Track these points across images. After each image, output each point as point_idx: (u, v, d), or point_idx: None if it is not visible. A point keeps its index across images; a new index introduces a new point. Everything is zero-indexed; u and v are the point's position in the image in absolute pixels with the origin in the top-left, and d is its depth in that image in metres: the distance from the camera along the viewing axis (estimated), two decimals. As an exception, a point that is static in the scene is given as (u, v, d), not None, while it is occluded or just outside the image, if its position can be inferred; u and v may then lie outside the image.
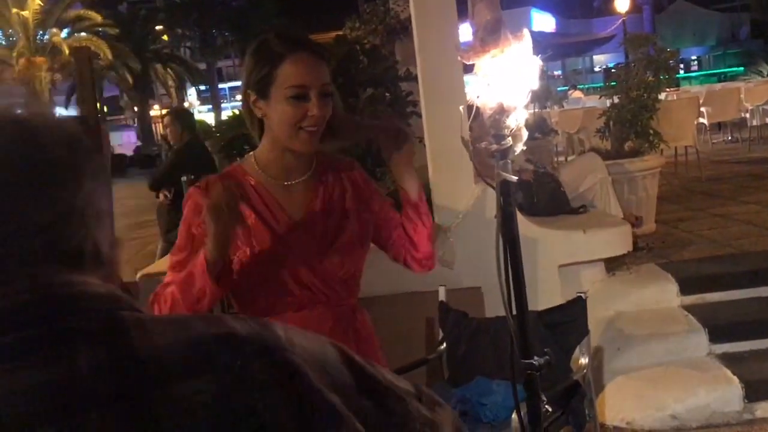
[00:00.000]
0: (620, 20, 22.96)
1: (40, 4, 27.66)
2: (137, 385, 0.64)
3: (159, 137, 32.40)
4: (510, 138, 1.25)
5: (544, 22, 29.40)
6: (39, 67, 27.47)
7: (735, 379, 3.67)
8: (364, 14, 7.41)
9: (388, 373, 0.81)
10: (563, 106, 12.34)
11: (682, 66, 29.21)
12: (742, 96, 11.80)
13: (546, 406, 1.48)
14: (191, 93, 44.27)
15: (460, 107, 1.23)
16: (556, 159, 9.59)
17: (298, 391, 0.67)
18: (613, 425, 3.65)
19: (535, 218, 4.29)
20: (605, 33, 27.89)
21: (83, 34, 30.17)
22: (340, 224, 1.77)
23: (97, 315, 0.68)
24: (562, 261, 4.15)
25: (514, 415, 2.26)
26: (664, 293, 4.31)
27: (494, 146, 1.25)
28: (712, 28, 38.59)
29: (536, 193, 4.59)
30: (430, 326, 3.82)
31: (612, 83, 5.80)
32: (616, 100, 5.73)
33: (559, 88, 17.33)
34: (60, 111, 30.23)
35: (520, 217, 4.17)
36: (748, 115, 11.60)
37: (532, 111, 11.75)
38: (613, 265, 4.47)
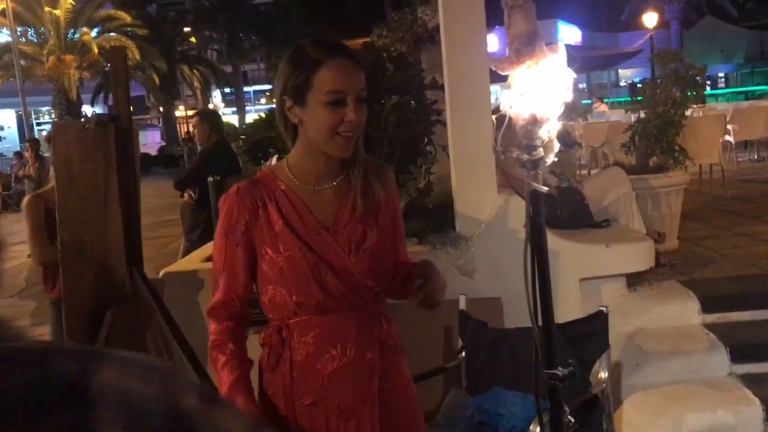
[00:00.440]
0: (648, 35, 22.84)
1: (72, 3, 28.02)
2: None
3: (181, 138, 32.71)
4: (541, 149, 1.25)
5: (570, 34, 29.28)
6: (68, 65, 27.79)
7: (756, 400, 3.63)
8: (392, 22, 7.45)
9: (236, 423, 0.73)
10: (587, 119, 12.29)
11: (708, 83, 29.00)
12: (769, 115, 11.66)
13: (568, 417, 1.48)
14: (216, 95, 44.63)
15: (493, 117, 1.24)
16: (579, 172, 9.55)
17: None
18: (629, 441, 3.63)
19: (557, 231, 4.28)
20: (632, 47, 27.75)
21: (112, 33, 30.52)
22: (369, 231, 1.78)
23: None
24: (583, 274, 4.14)
25: (532, 426, 2.25)
26: (685, 310, 4.27)
27: (525, 156, 1.25)
28: (741, 45, 38.20)
29: (560, 206, 4.58)
30: (448, 335, 3.83)
31: (638, 98, 5.77)
32: (642, 114, 5.70)
33: (583, 101, 17.27)
34: (86, 108, 30.68)
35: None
36: (775, 134, 11.48)
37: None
38: (634, 280, 4.44)
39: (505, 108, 1.25)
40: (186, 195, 5.61)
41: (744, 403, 3.65)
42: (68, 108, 27.86)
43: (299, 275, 1.73)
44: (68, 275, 2.47)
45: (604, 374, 2.91)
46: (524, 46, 0.99)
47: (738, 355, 3.92)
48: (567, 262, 4.10)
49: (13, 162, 20.69)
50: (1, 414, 0.62)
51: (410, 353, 2.02)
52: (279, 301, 1.76)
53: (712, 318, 4.22)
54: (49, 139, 4.49)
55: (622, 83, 36.41)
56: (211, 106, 38.19)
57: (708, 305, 4.25)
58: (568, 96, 1.24)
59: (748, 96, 27.86)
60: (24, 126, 26.37)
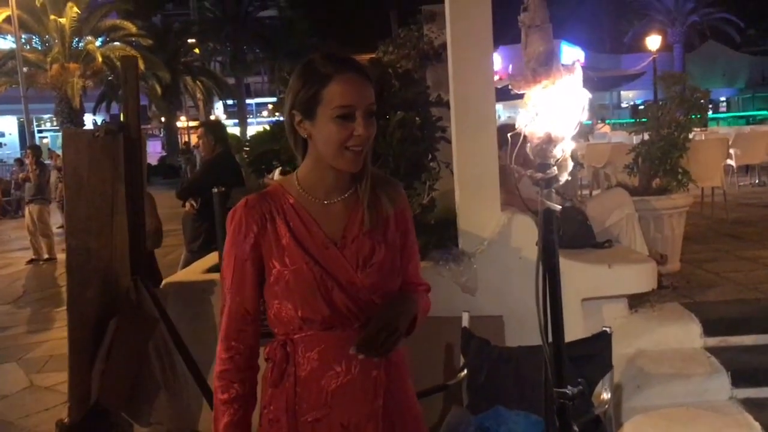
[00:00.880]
0: (651, 58, 22.95)
1: (77, 12, 28.14)
2: None
3: (180, 149, 32.75)
4: (555, 167, 1.25)
5: (573, 55, 29.42)
6: (72, 74, 27.87)
7: (757, 425, 3.61)
8: (398, 39, 7.48)
9: None
10: (589, 140, 12.33)
11: (710, 106, 29.09)
12: (771, 140, 11.72)
13: (578, 437, 1.47)
14: (218, 107, 44.79)
15: (508, 135, 1.24)
16: (580, 192, 9.57)
17: None
18: (630, 463, 3.61)
19: (560, 250, 4.27)
20: (635, 70, 27.89)
21: (116, 43, 30.65)
22: (377, 247, 1.77)
23: None
24: (585, 295, 4.13)
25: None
26: (687, 333, 4.27)
27: (539, 175, 1.26)
28: (742, 70, 38.47)
29: (562, 226, 4.58)
30: (449, 352, 3.81)
31: (643, 120, 5.80)
32: (646, 136, 5.72)
33: (585, 122, 17.31)
34: (89, 117, 30.75)
35: (545, 248, 4.20)
36: (776, 159, 11.53)
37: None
38: (636, 301, 4.43)
39: (520, 126, 1.25)
40: (188, 204, 5.61)
41: (745, 428, 3.63)
42: (70, 116, 27.91)
43: (305, 289, 1.71)
44: (74, 282, 2.46)
45: (606, 395, 2.89)
46: (541, 66, 1.00)
47: (739, 379, 3.91)
48: (569, 282, 4.07)
49: (14, 168, 20.71)
50: None
51: (410, 370, 2.01)
52: (284, 315, 1.74)
53: (713, 341, 4.21)
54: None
55: (624, 105, 36.57)
56: (213, 117, 38.33)
57: (710, 328, 4.24)
58: (584, 116, 1.25)
59: (749, 121, 27.99)
60: (26, 133, 26.40)
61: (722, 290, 4.95)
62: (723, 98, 39.01)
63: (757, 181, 12.54)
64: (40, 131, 41.41)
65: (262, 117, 48.71)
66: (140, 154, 2.66)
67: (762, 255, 6.07)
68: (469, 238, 4.21)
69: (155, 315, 2.77)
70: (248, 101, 46.39)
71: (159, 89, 33.89)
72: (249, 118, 44.24)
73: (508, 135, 1.25)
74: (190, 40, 38.54)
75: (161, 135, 39.97)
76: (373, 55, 6.86)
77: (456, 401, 3.21)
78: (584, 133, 12.04)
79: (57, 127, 32.39)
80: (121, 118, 2.58)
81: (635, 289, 4.28)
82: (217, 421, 1.78)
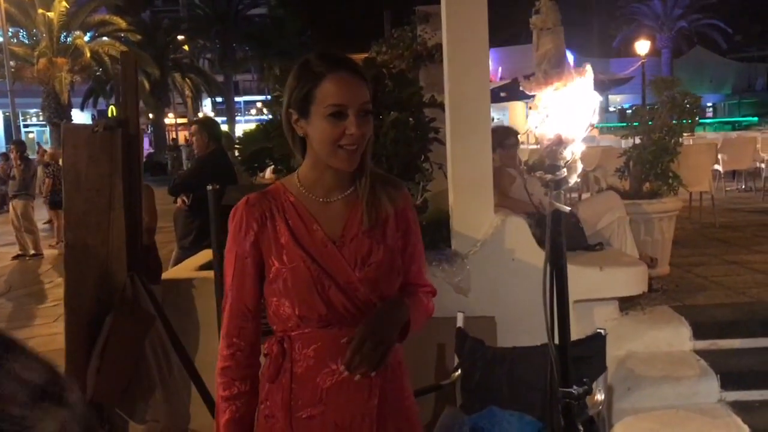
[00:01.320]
0: (639, 62, 23.10)
1: (66, 6, 27.95)
2: None
3: (167, 146, 32.61)
4: (565, 169, 1.26)
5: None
6: (60, 68, 27.68)
7: (746, 427, 3.65)
8: (391, 39, 7.49)
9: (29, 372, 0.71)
10: (578, 143, 12.36)
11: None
12: (758, 146, 11.84)
13: (582, 437, 1.48)
14: (206, 104, 44.61)
15: (518, 136, 1.25)
16: (569, 195, 9.61)
17: None
18: (620, 465, 3.64)
19: (552, 252, 4.30)
20: (624, 74, 28.04)
21: (105, 38, 30.47)
22: (375, 246, 1.76)
23: None
24: (577, 297, 4.14)
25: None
26: (677, 336, 4.30)
27: (549, 176, 1.26)
28: (729, 76, 38.81)
29: (554, 228, 4.60)
30: (441, 352, 3.82)
31: (635, 123, 5.83)
32: (637, 140, 5.75)
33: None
34: (76, 113, 30.55)
35: (538, 251, 4.22)
36: (763, 165, 11.63)
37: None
38: (626, 304, 4.46)
39: (530, 128, 1.26)
40: (179, 200, 5.60)
41: (734, 430, 3.67)
42: (58, 111, 27.71)
43: (302, 287, 1.71)
44: (71, 278, 2.45)
45: (600, 396, 2.91)
46: (552, 68, 1.00)
47: (728, 382, 3.95)
48: (561, 284, 4.12)
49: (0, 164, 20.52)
50: None
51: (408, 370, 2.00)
52: (282, 313, 1.74)
53: (703, 344, 4.25)
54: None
55: (611, 109, 36.75)
56: (200, 114, 38.18)
57: (699, 332, 4.28)
58: (595, 118, 1.26)
59: (735, 126, 28.21)
60: (12, 128, 26.16)
61: (711, 294, 4.99)
62: (709, 104, 39.31)
63: (743, 187, 12.65)
64: (26, 126, 41.10)
65: (251, 115, 48.63)
66: (138, 149, 2.65)
67: (749, 260, 6.12)
68: (463, 239, 4.22)
69: (151, 311, 2.76)
70: (237, 99, 46.26)
71: (147, 85, 33.73)
72: (237, 115, 44.12)
73: (518, 136, 1.25)
74: (179, 37, 38.38)
75: (149, 132, 39.79)
76: (367, 55, 6.87)
77: (449, 401, 3.22)
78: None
79: (43, 122, 32.14)
80: (109, 114, 2.57)
81: (626, 292, 4.32)
82: (219, 417, 1.79)
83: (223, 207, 4.07)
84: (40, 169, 15.01)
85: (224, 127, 36.70)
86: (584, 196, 9.52)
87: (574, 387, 1.34)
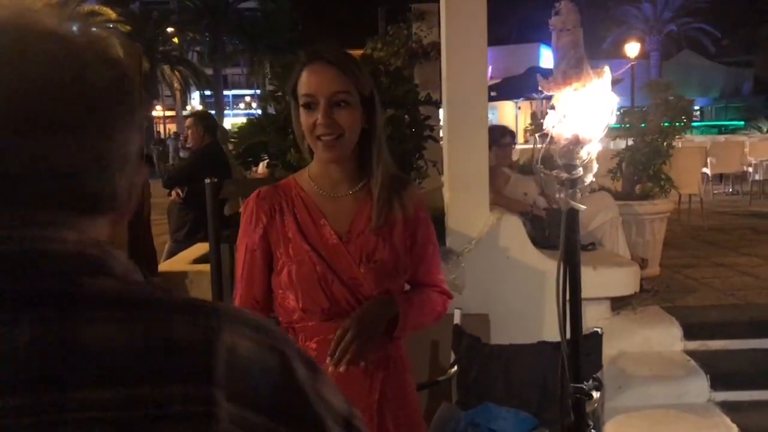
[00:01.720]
0: (629, 65, 23.20)
1: (55, -4, 27.74)
2: (55, 381, 0.59)
3: (153, 140, 32.39)
4: (581, 168, 1.29)
5: (552, 58, 29.63)
6: (47, 59, 27.47)
7: (734, 427, 3.70)
8: (386, 36, 7.50)
9: (335, 398, 0.73)
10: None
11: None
12: (746, 150, 11.96)
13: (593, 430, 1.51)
14: (195, 97, 44.36)
15: (536, 135, 1.27)
16: (559, 194, 9.67)
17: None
18: (611, 463, 3.68)
19: (545, 251, 4.33)
20: (613, 76, 28.15)
21: (94, 29, 30.23)
22: (381, 244, 1.77)
23: (52, 280, 0.63)
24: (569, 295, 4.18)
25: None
26: (668, 336, 4.35)
27: (565, 175, 1.28)
28: (717, 80, 39.06)
29: (548, 227, 4.64)
30: (435, 348, 3.84)
31: (627, 125, 5.88)
32: (630, 142, 5.80)
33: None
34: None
35: (532, 249, 4.25)
36: (750, 169, 11.74)
37: (540, 146, 11.85)
38: (618, 304, 4.51)
39: (548, 127, 1.28)
40: (174, 193, 5.59)
41: (723, 430, 3.72)
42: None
43: (306, 281, 1.73)
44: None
45: (596, 394, 2.94)
46: (571, 69, 1.01)
47: (718, 382, 4.00)
48: (554, 283, 4.14)
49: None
50: (120, 371, 0.60)
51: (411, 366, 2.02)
52: (287, 305, 1.76)
53: (693, 345, 4.30)
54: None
55: (600, 110, 36.81)
56: (189, 107, 37.99)
57: (690, 332, 4.33)
58: (612, 119, 1.28)
59: (722, 130, 28.43)
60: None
61: (701, 295, 5.05)
62: (697, 107, 39.55)
63: (730, 190, 12.77)
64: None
65: (239, 109, 48.41)
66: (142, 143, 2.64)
67: (738, 262, 6.20)
68: (458, 237, 4.24)
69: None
70: (225, 92, 46.06)
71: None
72: (226, 109, 43.92)
73: (536, 136, 1.28)
74: (169, 29, 38.17)
75: (136, 124, 39.36)
76: (363, 51, 6.88)
77: (445, 397, 3.24)
78: (545, 134, 12.17)
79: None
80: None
81: (619, 292, 4.36)
82: None
83: (221, 201, 4.07)
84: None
85: (213, 121, 36.57)
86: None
87: (585, 383, 1.37)
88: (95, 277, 0.64)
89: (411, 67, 6.80)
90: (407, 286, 1.90)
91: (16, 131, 0.62)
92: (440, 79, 4.83)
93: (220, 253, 3.54)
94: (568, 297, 1.36)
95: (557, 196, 1.25)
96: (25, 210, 0.64)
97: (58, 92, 0.64)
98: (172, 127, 37.18)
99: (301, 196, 1.80)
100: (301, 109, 1.72)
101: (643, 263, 5.25)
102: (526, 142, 17.45)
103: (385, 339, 1.77)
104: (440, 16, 4.66)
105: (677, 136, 6.10)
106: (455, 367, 3.19)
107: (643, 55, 29.89)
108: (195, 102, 43.78)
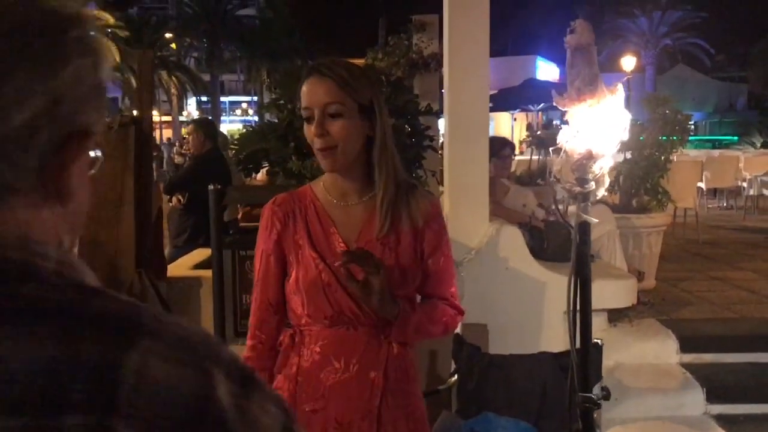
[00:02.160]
0: (625, 78, 23.28)
1: (53, 0, 27.72)
2: None
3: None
4: (593, 182, 1.32)
5: (548, 71, 29.79)
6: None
7: (730, 440, 3.74)
8: (387, 46, 7.55)
9: (267, 415, 0.64)
10: (564, 156, 12.48)
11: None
12: (740, 165, 12.03)
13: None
14: (191, 103, 44.37)
15: (551, 148, 1.30)
16: (555, 206, 9.72)
17: None
18: (606, 474, 3.70)
19: (544, 263, 4.36)
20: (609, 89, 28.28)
21: (92, 33, 30.22)
22: (387, 254, 1.78)
23: None
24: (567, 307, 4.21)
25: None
26: (664, 349, 4.38)
27: (577, 189, 1.32)
28: (711, 95, 39.31)
29: (547, 239, 4.67)
30: (433, 358, 3.86)
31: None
32: (628, 155, 5.85)
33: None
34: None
35: (531, 260, 4.28)
36: (744, 184, 11.81)
37: (537, 157, 11.94)
38: (615, 316, 4.54)
39: (561, 141, 1.31)
40: (174, 199, 5.60)
41: (719, 443, 3.75)
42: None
43: (311, 288, 1.76)
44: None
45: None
46: (586, 86, 1.04)
47: (713, 395, 4.03)
48: (552, 294, 4.18)
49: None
50: (20, 398, 0.54)
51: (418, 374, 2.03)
52: (295, 309, 1.80)
53: (689, 358, 4.34)
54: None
55: (595, 123, 36.97)
56: (185, 113, 37.97)
57: (686, 345, 4.37)
58: (625, 135, 1.31)
59: (716, 145, 28.57)
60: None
61: (697, 309, 5.10)
62: (691, 122, 39.74)
63: (725, 204, 12.83)
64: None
65: (236, 115, 48.44)
66: (150, 147, 2.68)
67: (733, 276, 6.24)
68: (457, 247, 4.25)
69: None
70: (222, 99, 46.08)
71: (134, 82, 33.51)
72: (222, 115, 43.93)
73: (550, 149, 1.31)
74: (167, 35, 38.20)
75: (132, 128, 39.30)
76: (363, 61, 6.92)
77: (445, 406, 3.26)
78: (559, 148, 12.22)
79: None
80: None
81: (616, 304, 4.38)
82: None
83: (224, 207, 4.09)
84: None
85: (209, 127, 36.55)
86: (571, 208, 9.64)
87: (594, 393, 1.39)
88: (9, 285, 0.58)
89: (411, 77, 6.85)
90: (419, 299, 1.91)
91: None
92: (440, 90, 4.87)
93: (222, 258, 3.56)
94: (578, 307, 1.39)
95: (568, 209, 1.28)
96: None
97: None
98: (168, 133, 37.07)
99: (314, 204, 1.83)
100: (304, 122, 1.76)
101: (640, 276, 5.29)
102: (521, 153, 17.52)
103: (385, 340, 1.79)
104: (441, 28, 4.70)
105: (674, 150, 6.16)
106: (455, 377, 3.21)
107: (639, 69, 30.06)
108: (191, 108, 43.77)
